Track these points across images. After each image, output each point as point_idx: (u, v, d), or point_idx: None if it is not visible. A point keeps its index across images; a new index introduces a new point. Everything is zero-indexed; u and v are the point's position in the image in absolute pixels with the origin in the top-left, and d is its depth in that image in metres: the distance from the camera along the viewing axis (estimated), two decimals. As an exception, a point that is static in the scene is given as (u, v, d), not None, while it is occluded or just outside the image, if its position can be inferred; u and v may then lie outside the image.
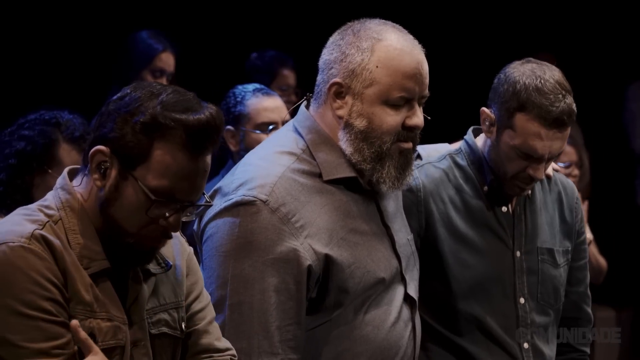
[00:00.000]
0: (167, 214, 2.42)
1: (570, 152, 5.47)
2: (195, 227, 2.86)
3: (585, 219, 5.47)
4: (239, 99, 4.43)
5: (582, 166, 5.55)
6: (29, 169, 3.29)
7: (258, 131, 4.40)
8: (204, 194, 2.49)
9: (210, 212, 2.79)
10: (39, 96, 4.26)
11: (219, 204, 2.78)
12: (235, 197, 2.75)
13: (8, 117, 3.49)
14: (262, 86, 4.56)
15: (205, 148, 2.42)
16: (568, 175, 5.41)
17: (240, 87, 4.49)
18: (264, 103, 4.45)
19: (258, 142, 4.33)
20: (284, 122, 4.39)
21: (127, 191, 2.42)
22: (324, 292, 2.77)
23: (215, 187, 2.86)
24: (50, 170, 3.26)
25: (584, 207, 5.42)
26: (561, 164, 5.42)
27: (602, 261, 5.63)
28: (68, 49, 5.82)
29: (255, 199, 2.73)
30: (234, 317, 2.71)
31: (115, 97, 2.47)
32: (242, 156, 4.28)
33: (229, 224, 2.74)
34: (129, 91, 2.45)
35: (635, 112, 6.71)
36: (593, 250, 5.59)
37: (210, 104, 2.46)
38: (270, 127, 4.41)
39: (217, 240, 2.75)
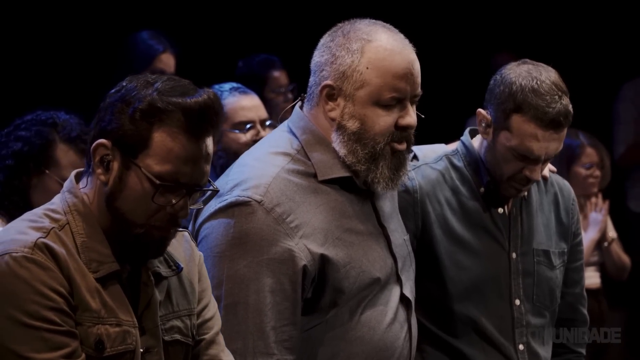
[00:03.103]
0: (173, 201, 2.40)
1: (591, 154, 5.46)
2: (190, 228, 2.86)
3: (607, 217, 5.50)
4: None
5: (603, 167, 5.54)
6: (26, 169, 3.29)
7: (236, 130, 4.28)
8: (209, 180, 2.47)
9: (205, 213, 2.79)
10: (36, 97, 4.25)
11: (213, 204, 2.78)
12: (230, 198, 2.75)
13: (5, 117, 3.49)
14: (239, 85, 4.42)
15: (205, 130, 2.41)
16: (590, 176, 5.43)
17: (216, 86, 4.35)
18: (241, 102, 4.33)
19: (236, 142, 4.25)
20: (261, 122, 4.35)
21: (131, 181, 2.40)
22: (320, 292, 2.77)
23: None
24: (47, 171, 3.26)
25: (605, 207, 5.46)
26: (583, 166, 5.43)
27: (626, 258, 5.63)
28: (66, 49, 5.81)
29: (250, 200, 2.73)
30: (229, 317, 2.70)
31: (112, 90, 2.47)
32: (220, 157, 4.25)
33: (223, 225, 2.73)
34: (124, 84, 2.46)
35: (619, 112, 6.70)
36: (616, 247, 5.59)
37: (206, 88, 2.45)
38: (248, 125, 4.29)
39: (211, 241, 2.75)
